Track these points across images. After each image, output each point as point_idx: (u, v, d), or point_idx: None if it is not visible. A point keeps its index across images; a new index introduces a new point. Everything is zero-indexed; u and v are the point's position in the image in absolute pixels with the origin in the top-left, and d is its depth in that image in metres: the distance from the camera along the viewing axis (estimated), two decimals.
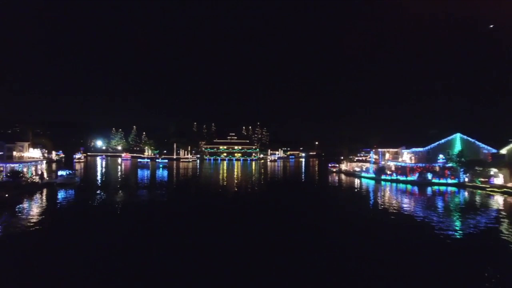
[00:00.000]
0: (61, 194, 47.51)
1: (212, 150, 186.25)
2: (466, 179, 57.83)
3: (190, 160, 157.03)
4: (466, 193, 52.02)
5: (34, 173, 57.42)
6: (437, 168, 61.59)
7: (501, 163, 54.89)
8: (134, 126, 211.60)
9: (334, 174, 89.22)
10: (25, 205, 38.49)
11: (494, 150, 59.84)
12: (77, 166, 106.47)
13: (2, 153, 51.44)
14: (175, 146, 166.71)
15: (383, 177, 67.22)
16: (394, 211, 38.13)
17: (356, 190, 58.93)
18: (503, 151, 57.39)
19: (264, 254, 22.86)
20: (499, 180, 53.08)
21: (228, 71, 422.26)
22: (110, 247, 24.19)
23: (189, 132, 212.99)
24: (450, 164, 60.39)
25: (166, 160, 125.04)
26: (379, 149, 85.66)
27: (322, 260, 21.96)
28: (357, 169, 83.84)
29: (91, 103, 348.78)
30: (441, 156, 61.75)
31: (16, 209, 35.65)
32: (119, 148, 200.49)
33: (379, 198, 49.34)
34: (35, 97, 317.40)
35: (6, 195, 39.19)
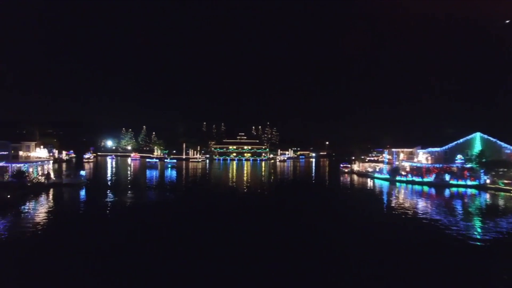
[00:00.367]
0: (66, 195, 46.49)
1: (221, 150, 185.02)
2: (488, 181, 54.84)
3: (200, 160, 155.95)
4: (487, 196, 49.25)
5: (40, 173, 56.60)
6: (456, 169, 58.74)
7: None
8: (144, 126, 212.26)
9: (346, 174, 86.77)
10: (28, 206, 37.35)
11: None
12: (86, 166, 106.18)
13: (7, 152, 50.62)
14: (184, 146, 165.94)
15: (397, 178, 64.64)
16: (410, 214, 35.81)
17: (370, 192, 56.56)
18: None
19: (270, 259, 21.02)
20: None
21: (238, 71, 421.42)
22: (111, 249, 23.22)
23: (199, 132, 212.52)
24: (469, 165, 57.49)
25: (175, 160, 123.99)
26: (393, 149, 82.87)
27: (334, 267, 20.03)
28: (370, 169, 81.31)
29: (102, 103, 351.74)
30: (459, 156, 58.91)
31: (18, 211, 34.54)
32: (129, 148, 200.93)
33: (394, 200, 46.94)
34: (47, 99, 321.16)
35: (8, 196, 38.12)
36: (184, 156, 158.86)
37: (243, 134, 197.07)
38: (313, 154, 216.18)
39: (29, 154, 58.59)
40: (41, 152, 63.17)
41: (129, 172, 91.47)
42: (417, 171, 63.51)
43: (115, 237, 26.48)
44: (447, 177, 57.08)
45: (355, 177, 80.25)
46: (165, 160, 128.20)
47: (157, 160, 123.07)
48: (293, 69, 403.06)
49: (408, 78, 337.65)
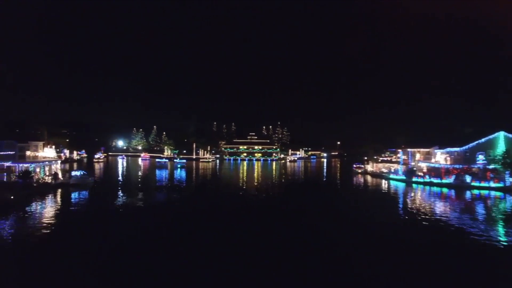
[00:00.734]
0: (73, 195, 45.37)
1: (231, 150, 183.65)
2: None
3: (210, 160, 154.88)
4: None
5: (47, 173, 55.82)
6: (477, 170, 55.72)
7: None
8: (155, 126, 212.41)
9: (359, 175, 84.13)
10: (31, 207, 36.19)
11: None
12: (96, 166, 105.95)
13: (13, 152, 49.90)
14: (194, 146, 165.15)
15: (414, 179, 61.87)
16: (430, 218, 33.37)
17: (386, 194, 54.04)
18: None
19: (282, 264, 19.13)
20: None
21: (248, 71, 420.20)
22: (111, 250, 22.56)
23: (209, 132, 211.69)
24: (492, 166, 54.40)
25: (184, 160, 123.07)
26: (408, 149, 79.80)
27: (349, 276, 18.02)
28: (385, 170, 78.52)
29: (113, 104, 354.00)
30: (481, 157, 55.85)
31: (20, 212, 33.42)
32: (140, 148, 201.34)
33: (412, 202, 44.36)
34: (59, 99, 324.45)
35: (12, 197, 37.11)
36: (194, 156, 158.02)
37: (254, 134, 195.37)
38: (324, 154, 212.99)
39: (36, 154, 58.00)
40: (49, 152, 62.59)
41: (137, 172, 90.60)
42: (435, 172, 60.63)
43: (117, 238, 25.47)
44: (468, 178, 54.08)
45: (369, 177, 77.63)
46: (175, 160, 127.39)
47: (167, 160, 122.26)
48: (304, 69, 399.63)
49: (421, 77, 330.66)
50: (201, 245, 24.05)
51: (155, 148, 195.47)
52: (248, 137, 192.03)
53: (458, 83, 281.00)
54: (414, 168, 67.49)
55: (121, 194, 47.42)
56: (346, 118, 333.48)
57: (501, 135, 55.36)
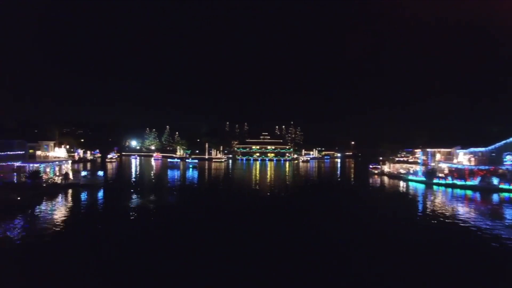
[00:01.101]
0: (83, 196, 44.38)
1: (244, 150, 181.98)
2: None
3: (222, 160, 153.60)
4: None
5: (57, 173, 55.14)
6: (505, 171, 52.39)
7: None
8: (167, 126, 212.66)
9: (376, 176, 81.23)
10: (38, 209, 35.17)
11: None
12: (109, 166, 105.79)
13: (23, 152, 49.26)
14: (207, 146, 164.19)
15: (435, 180, 58.85)
16: (461, 224, 30.77)
17: (407, 196, 51.33)
18: None
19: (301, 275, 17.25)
20: None
21: (262, 72, 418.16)
22: (112, 250, 21.93)
23: (221, 131, 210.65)
24: None
25: (196, 160, 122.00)
26: (428, 149, 76.47)
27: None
28: (402, 171, 75.46)
29: (128, 105, 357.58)
30: (508, 157, 52.53)
31: (25, 214, 32.37)
32: (153, 148, 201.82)
33: (435, 205, 41.54)
34: (74, 101, 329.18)
35: (18, 198, 36.14)
36: (206, 156, 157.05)
37: (267, 133, 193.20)
38: (339, 154, 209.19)
39: (47, 154, 57.43)
40: (60, 152, 62.04)
41: (148, 173, 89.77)
42: (458, 173, 57.46)
43: (123, 240, 24.69)
44: (495, 180, 50.86)
45: (386, 179, 74.73)
46: (187, 160, 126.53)
47: (179, 160, 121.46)
48: (319, 69, 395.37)
49: (437, 75, 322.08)
50: (215, 249, 22.57)
51: (168, 148, 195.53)
52: (261, 137, 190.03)
53: (479, 82, 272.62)
54: (435, 169, 64.39)
55: (130, 195, 46.19)
56: (360, 117, 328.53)
57: None
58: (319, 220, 32.83)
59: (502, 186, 50.11)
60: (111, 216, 33.46)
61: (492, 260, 21.75)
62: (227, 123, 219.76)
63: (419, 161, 76.43)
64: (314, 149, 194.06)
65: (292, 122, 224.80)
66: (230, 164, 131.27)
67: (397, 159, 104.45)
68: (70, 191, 47.39)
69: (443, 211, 37.50)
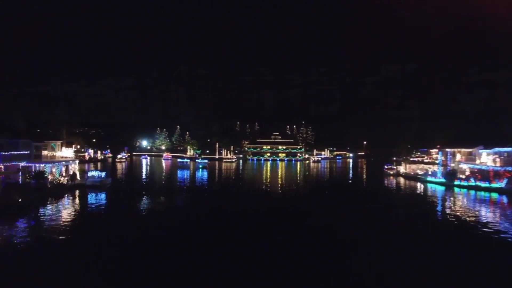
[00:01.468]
0: (89, 198, 42.86)
1: (255, 150, 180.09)
2: None
3: (233, 160, 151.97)
4: None
5: (64, 174, 53.94)
6: None
7: None
8: (178, 126, 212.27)
9: (392, 177, 78.11)
10: (40, 211, 33.60)
11: None
12: (118, 166, 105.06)
13: (29, 152, 48.06)
14: (217, 145, 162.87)
15: (456, 182, 55.72)
16: (492, 231, 28.02)
17: (427, 199, 48.44)
18: None
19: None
20: None
21: (261, 70, 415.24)
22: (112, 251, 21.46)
23: (232, 131, 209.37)
24: None
25: (206, 160, 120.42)
26: (447, 149, 73.03)
27: None
28: (420, 172, 72.21)
29: (138, 104, 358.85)
30: None
31: (26, 217, 30.89)
32: (163, 147, 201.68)
33: (460, 209, 38.65)
34: (89, 100, 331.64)
35: (20, 200, 34.76)
36: (217, 156, 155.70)
37: (278, 133, 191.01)
38: (351, 155, 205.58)
39: (54, 154, 56.36)
40: (67, 152, 60.99)
41: (157, 173, 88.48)
42: (481, 174, 54.20)
43: (129, 242, 23.54)
44: None
45: (402, 180, 71.65)
46: (197, 160, 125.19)
47: (189, 160, 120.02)
48: (331, 66, 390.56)
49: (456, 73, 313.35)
50: (226, 251, 20.73)
51: (179, 148, 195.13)
52: (272, 136, 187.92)
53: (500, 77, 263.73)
54: (455, 170, 61.11)
55: (136, 196, 44.57)
56: (373, 117, 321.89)
57: None
58: (344, 234, 30.47)
59: None
60: (115, 218, 31.83)
61: None
62: (238, 123, 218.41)
63: (436, 161, 73.07)
64: (325, 149, 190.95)
65: (303, 122, 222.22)
66: (241, 164, 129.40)
67: (412, 159, 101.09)
68: (76, 192, 46.05)
69: (470, 214, 34.67)
